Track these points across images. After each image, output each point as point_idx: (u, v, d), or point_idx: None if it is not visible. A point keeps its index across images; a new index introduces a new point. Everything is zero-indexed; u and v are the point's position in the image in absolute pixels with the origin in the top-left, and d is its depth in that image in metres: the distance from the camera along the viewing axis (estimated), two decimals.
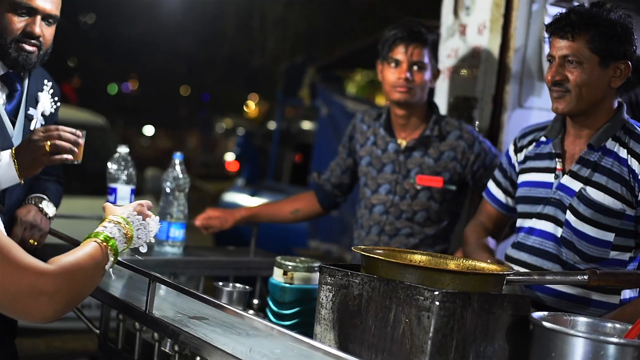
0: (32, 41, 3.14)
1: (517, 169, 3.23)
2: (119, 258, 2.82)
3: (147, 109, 30.65)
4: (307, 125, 10.33)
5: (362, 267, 2.42)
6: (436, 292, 2.11)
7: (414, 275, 2.25)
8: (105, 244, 2.21)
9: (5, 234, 2.12)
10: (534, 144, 3.18)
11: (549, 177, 3.06)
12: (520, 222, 3.16)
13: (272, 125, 12.54)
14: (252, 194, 8.97)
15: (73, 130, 2.94)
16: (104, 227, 2.28)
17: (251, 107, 33.13)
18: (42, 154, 2.86)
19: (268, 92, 27.11)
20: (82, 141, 2.97)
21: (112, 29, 25.76)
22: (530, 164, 3.15)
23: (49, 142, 2.84)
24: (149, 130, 30.51)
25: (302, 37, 18.55)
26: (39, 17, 3.14)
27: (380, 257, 2.35)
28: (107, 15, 24.93)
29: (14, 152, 2.87)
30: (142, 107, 31.15)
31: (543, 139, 3.14)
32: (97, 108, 11.52)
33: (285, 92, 9.27)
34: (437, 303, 2.11)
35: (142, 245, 2.47)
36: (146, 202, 2.50)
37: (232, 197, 9.35)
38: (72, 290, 2.02)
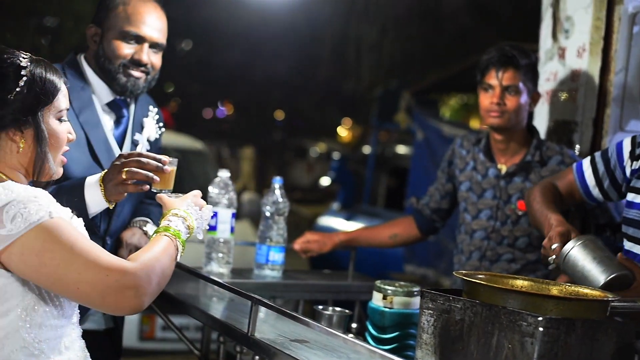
0: (141, 68, 3.23)
1: (628, 175, 3.07)
2: (220, 280, 2.90)
3: (242, 134, 30.97)
4: (401, 149, 10.31)
5: (464, 292, 2.41)
6: (540, 318, 2.10)
7: (516, 300, 2.23)
8: (175, 237, 2.38)
9: (86, 236, 2.27)
10: None
11: None
12: (629, 246, 3.03)
13: (366, 149, 12.56)
14: (348, 218, 8.98)
15: (157, 157, 2.76)
16: (170, 221, 2.44)
17: (345, 131, 33.23)
18: (120, 182, 2.75)
19: (361, 117, 27.16)
20: (169, 168, 2.78)
21: (208, 54, 26.17)
22: None
23: (125, 169, 2.73)
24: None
25: (396, 62, 18.58)
26: (146, 45, 3.24)
27: (482, 282, 2.34)
28: (204, 42, 25.35)
29: (102, 176, 2.83)
30: (237, 131, 31.51)
31: None
32: (193, 133, 11.71)
33: (380, 116, 9.28)
34: (541, 329, 2.09)
35: (199, 234, 2.58)
36: (199, 193, 2.63)
37: (327, 221, 9.37)
38: (153, 282, 2.19)
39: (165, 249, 2.32)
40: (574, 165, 3.28)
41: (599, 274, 2.73)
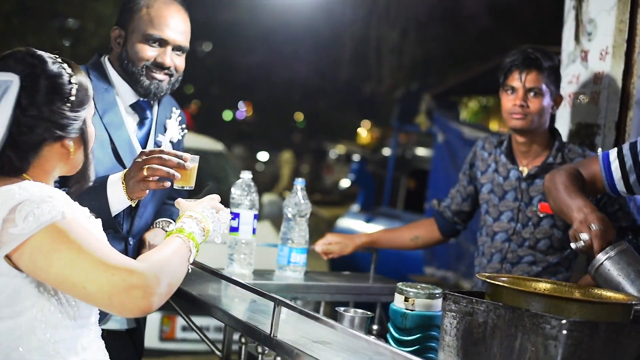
0: (164, 70, 3.25)
1: None
2: (242, 281, 2.91)
3: (261, 135, 31.05)
4: (421, 151, 10.30)
5: (487, 295, 2.42)
6: (563, 321, 2.09)
7: (540, 303, 2.23)
8: (188, 239, 2.36)
9: (98, 236, 2.26)
10: None
11: None
12: None
13: (386, 151, 12.55)
14: (367, 220, 8.97)
15: (179, 153, 2.83)
16: (184, 222, 2.43)
17: (364, 133, 33.26)
18: (142, 179, 2.82)
19: (380, 119, 27.19)
20: (191, 165, 2.86)
21: (228, 57, 26.26)
22: None
23: (146, 166, 2.79)
24: (263, 156, 30.92)
25: (417, 64, 18.58)
26: (169, 48, 3.25)
27: (506, 285, 2.34)
28: (224, 44, 25.44)
29: (124, 174, 2.89)
30: (257, 133, 31.59)
31: None
32: (213, 134, 11.75)
33: (401, 118, 9.27)
34: (565, 332, 2.09)
35: (217, 237, 2.59)
36: (217, 197, 2.64)
37: (347, 223, 9.37)
38: (162, 283, 2.14)
39: (177, 250, 2.30)
40: (600, 155, 3.20)
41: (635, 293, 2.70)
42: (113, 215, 2.91)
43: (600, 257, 2.74)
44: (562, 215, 3.03)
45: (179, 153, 2.82)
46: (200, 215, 2.48)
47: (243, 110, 33.46)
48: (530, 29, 15.11)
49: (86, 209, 2.35)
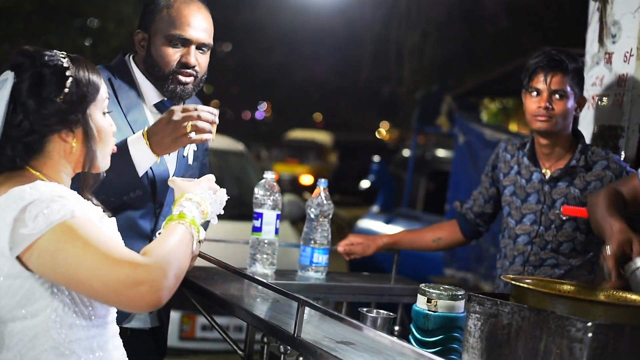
0: (188, 71, 3.26)
1: None
2: (265, 281, 2.91)
3: (280, 135, 31.07)
4: (441, 152, 10.26)
5: (511, 297, 2.41)
6: (589, 324, 2.09)
7: (565, 305, 2.23)
8: (190, 225, 2.33)
9: (109, 235, 2.23)
10: None
11: None
12: None
13: (406, 152, 12.52)
14: (387, 222, 8.95)
15: (211, 109, 3.01)
16: (183, 206, 2.40)
17: (383, 134, 33.22)
18: (183, 135, 2.94)
19: (400, 120, 27.16)
20: (217, 120, 3.05)
21: (247, 57, 26.29)
22: None
23: (190, 123, 2.93)
24: None
25: (436, 66, 18.54)
26: (193, 47, 3.25)
27: (531, 287, 2.34)
28: (243, 44, 25.48)
29: (145, 132, 2.98)
30: (276, 133, 31.60)
31: None
32: (232, 134, 11.78)
33: (421, 119, 9.24)
34: (590, 335, 2.08)
35: (214, 219, 2.59)
36: (212, 177, 2.64)
37: (366, 224, 9.35)
38: (169, 275, 2.10)
39: (181, 239, 2.25)
40: (639, 171, 3.21)
41: None
42: (140, 175, 2.98)
43: (637, 261, 2.72)
44: (600, 236, 3.02)
45: (210, 108, 3.00)
46: (200, 198, 2.46)
47: (262, 110, 33.51)
48: (549, 31, 15.07)
49: (99, 209, 2.35)
